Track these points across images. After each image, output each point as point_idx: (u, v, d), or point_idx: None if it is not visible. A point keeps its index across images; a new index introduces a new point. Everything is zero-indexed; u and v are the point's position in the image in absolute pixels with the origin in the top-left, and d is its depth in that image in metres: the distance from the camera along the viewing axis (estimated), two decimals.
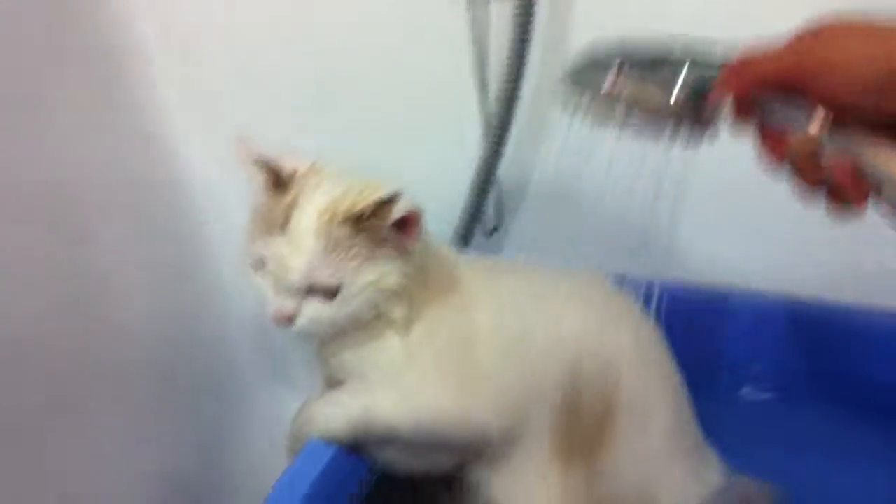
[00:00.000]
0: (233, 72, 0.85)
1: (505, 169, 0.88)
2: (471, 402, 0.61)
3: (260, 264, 0.60)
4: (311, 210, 0.58)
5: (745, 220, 0.88)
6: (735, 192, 0.83)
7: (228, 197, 0.81)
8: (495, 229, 0.95)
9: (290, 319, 0.60)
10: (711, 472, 0.68)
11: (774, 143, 0.48)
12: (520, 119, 0.84)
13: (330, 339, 0.64)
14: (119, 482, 0.67)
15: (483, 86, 0.85)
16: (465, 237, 0.90)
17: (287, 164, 0.61)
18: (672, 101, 0.51)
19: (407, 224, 0.58)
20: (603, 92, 0.53)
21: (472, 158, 0.87)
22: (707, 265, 0.89)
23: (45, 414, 0.61)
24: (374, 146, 0.86)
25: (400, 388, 0.62)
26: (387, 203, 0.57)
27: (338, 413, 0.64)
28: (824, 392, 0.82)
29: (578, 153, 0.76)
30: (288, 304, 0.59)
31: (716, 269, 0.88)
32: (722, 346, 0.85)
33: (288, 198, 0.59)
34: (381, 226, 0.57)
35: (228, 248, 0.83)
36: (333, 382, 0.67)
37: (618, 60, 0.53)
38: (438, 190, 0.88)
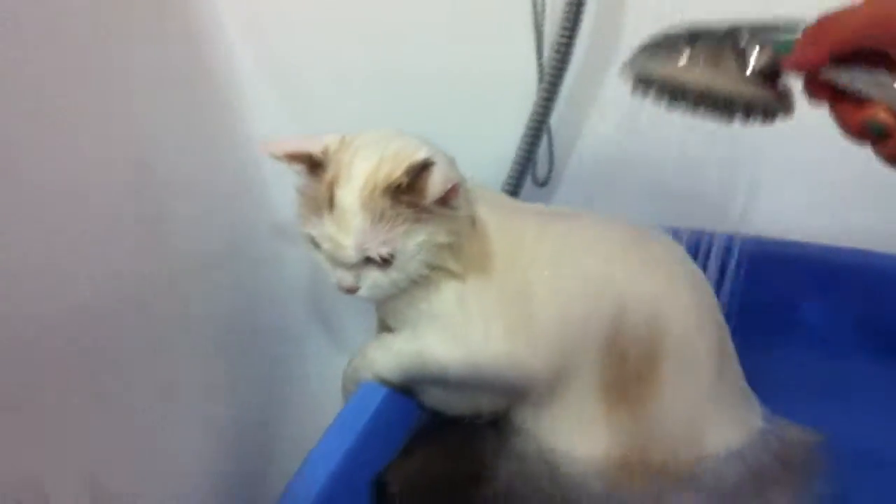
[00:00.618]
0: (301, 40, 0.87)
1: (558, 119, 0.88)
2: (520, 345, 0.63)
3: (316, 243, 0.63)
4: (352, 186, 0.60)
5: (816, 176, 0.87)
6: (807, 149, 0.82)
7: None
8: (546, 181, 0.95)
9: (352, 290, 0.63)
10: (753, 416, 0.68)
11: (854, 112, 0.45)
12: (575, 68, 0.84)
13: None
14: (186, 427, 0.71)
15: (539, 33, 0.86)
16: (515, 187, 0.90)
17: (316, 147, 0.62)
18: (748, 73, 0.50)
19: (444, 196, 0.60)
20: (673, 74, 0.52)
21: (525, 108, 0.87)
22: (775, 223, 0.87)
23: (140, 359, 0.65)
24: (428, 96, 0.88)
25: (452, 330, 0.64)
26: (421, 170, 0.58)
27: (391, 356, 0.67)
28: (878, 346, 0.82)
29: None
30: (348, 277, 0.62)
31: (782, 227, 0.86)
32: (774, 297, 0.84)
33: (327, 177, 0.61)
34: (419, 200, 0.59)
35: (286, 210, 0.87)
36: (387, 329, 0.70)
37: (687, 41, 0.52)
38: (490, 139, 0.90)
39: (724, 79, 0.50)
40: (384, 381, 0.68)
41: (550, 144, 0.93)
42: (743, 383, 0.70)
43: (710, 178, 0.89)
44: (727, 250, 0.79)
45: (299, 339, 0.89)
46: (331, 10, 0.87)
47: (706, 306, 0.68)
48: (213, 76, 0.78)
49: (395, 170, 0.59)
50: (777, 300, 0.85)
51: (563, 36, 0.82)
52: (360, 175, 0.60)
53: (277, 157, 0.63)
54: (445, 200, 0.60)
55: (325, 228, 0.60)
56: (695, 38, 0.51)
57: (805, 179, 0.88)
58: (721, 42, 0.50)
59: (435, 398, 0.69)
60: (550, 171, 0.95)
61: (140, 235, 0.66)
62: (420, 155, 0.59)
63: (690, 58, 0.51)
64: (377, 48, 0.88)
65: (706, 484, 0.65)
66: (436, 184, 0.58)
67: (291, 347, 0.88)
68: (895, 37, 0.42)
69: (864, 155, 0.47)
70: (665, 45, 0.52)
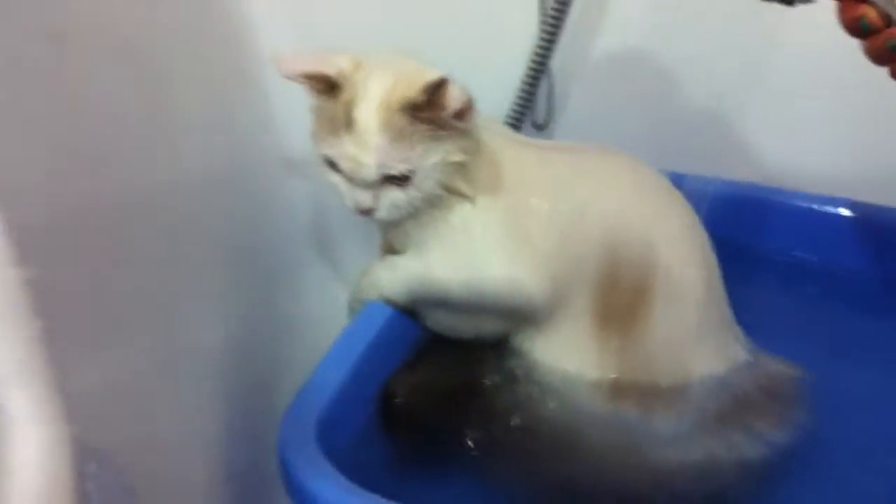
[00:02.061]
0: None
1: (558, 60, 0.90)
2: (521, 269, 0.66)
3: (332, 164, 0.64)
4: (370, 105, 0.61)
5: (826, 124, 0.89)
6: (818, 91, 0.85)
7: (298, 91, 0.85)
8: (545, 125, 0.97)
9: (370, 211, 0.64)
10: (739, 348, 0.72)
11: (852, 8, 0.52)
12: (576, 10, 0.86)
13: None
14: (190, 336, 0.72)
15: None
16: (514, 128, 0.92)
17: (330, 68, 0.63)
18: None
19: (461, 110, 0.61)
20: None
21: (524, 47, 0.89)
22: (780, 170, 0.90)
23: (161, 271, 0.67)
24: (425, 31, 0.88)
25: (455, 253, 0.67)
26: (437, 88, 0.59)
27: (396, 276, 0.69)
28: (875, 296, 0.85)
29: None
30: (366, 197, 0.64)
31: (789, 174, 0.89)
32: (769, 240, 0.88)
33: (344, 97, 0.62)
34: (438, 116, 0.60)
35: (293, 131, 0.87)
36: (391, 251, 0.73)
37: None
38: (489, 78, 0.91)
39: None
40: (389, 301, 0.70)
41: (550, 88, 0.95)
42: (730, 317, 0.73)
43: (709, 124, 0.92)
44: (721, 196, 0.82)
45: (298, 266, 0.91)
46: None
47: (697, 240, 0.71)
48: None
49: (411, 88, 0.60)
50: (771, 246, 0.88)
51: None
52: (377, 94, 0.61)
53: (291, 77, 0.63)
54: (461, 115, 0.61)
55: (344, 148, 0.62)
56: None
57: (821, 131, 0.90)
58: None
59: (437, 320, 0.71)
60: (549, 114, 0.97)
61: (146, 145, 0.66)
62: (434, 74, 0.60)
63: None
64: None
65: (691, 407, 0.69)
66: (454, 97, 0.59)
67: (290, 273, 0.89)
68: None
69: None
70: None
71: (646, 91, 0.92)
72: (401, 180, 0.62)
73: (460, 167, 0.65)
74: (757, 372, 0.71)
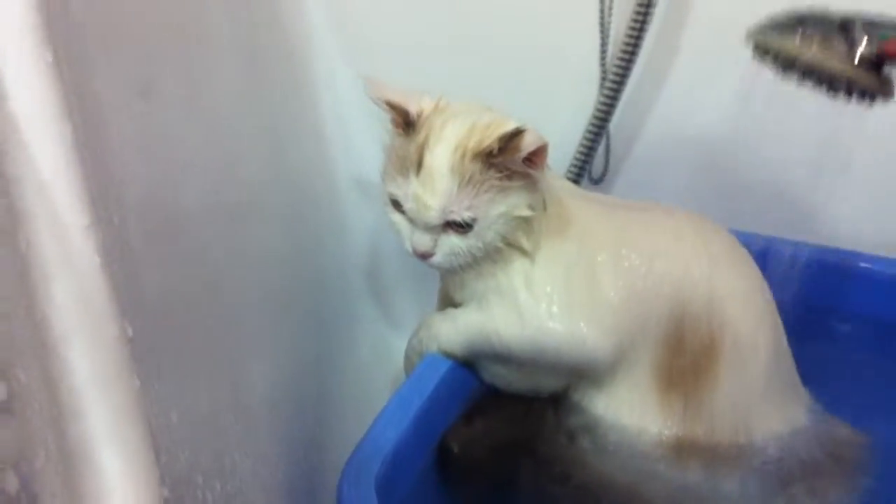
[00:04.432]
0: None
1: (618, 118, 0.91)
2: (584, 325, 0.65)
3: (397, 204, 0.65)
4: (443, 149, 0.62)
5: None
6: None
7: (359, 134, 0.87)
8: (601, 178, 0.98)
9: (427, 255, 0.65)
10: (804, 412, 0.70)
11: None
12: (637, 70, 0.87)
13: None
14: (242, 378, 0.73)
15: (604, 34, 0.89)
16: (574, 183, 0.93)
17: (413, 106, 0.64)
18: (855, 57, 0.57)
19: (535, 156, 0.61)
20: (788, 47, 0.59)
21: (584, 104, 0.90)
22: (835, 231, 0.89)
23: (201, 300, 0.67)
24: (491, 89, 0.90)
25: (517, 307, 0.66)
26: (513, 137, 0.60)
27: (456, 329, 0.69)
28: None
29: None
30: (426, 241, 0.64)
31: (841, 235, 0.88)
32: (833, 302, 0.86)
33: (419, 138, 0.63)
34: (512, 159, 0.61)
35: (352, 187, 0.89)
36: (449, 302, 0.73)
37: (804, 22, 0.59)
38: (549, 135, 0.92)
39: (833, 58, 0.57)
40: (448, 354, 0.70)
41: (608, 143, 0.95)
42: (796, 379, 0.72)
43: (765, 184, 0.92)
44: (784, 255, 0.81)
45: (353, 315, 0.92)
46: None
47: (764, 301, 0.70)
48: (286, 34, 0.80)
49: (488, 136, 0.61)
50: (831, 308, 0.86)
51: (629, 39, 0.85)
52: (451, 139, 0.62)
53: (376, 100, 0.64)
54: (534, 162, 0.61)
55: (411, 188, 0.62)
56: (811, 20, 0.59)
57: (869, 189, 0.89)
58: (833, 27, 0.58)
59: (496, 375, 0.71)
60: (606, 169, 0.97)
61: (210, 205, 0.68)
62: (512, 124, 0.61)
63: (804, 36, 0.58)
64: (454, 26, 0.91)
65: (755, 469, 0.67)
66: (529, 141, 0.59)
67: (345, 321, 0.90)
68: None
69: None
70: (785, 22, 0.60)
71: (701, 148, 0.92)
72: (462, 228, 0.63)
73: (524, 222, 0.65)
74: (822, 436, 0.70)
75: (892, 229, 0.86)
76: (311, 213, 0.84)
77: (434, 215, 0.62)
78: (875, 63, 0.57)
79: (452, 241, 0.64)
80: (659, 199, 0.95)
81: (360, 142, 0.86)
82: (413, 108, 0.64)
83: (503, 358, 0.68)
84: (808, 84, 0.60)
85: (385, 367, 0.90)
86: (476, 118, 0.63)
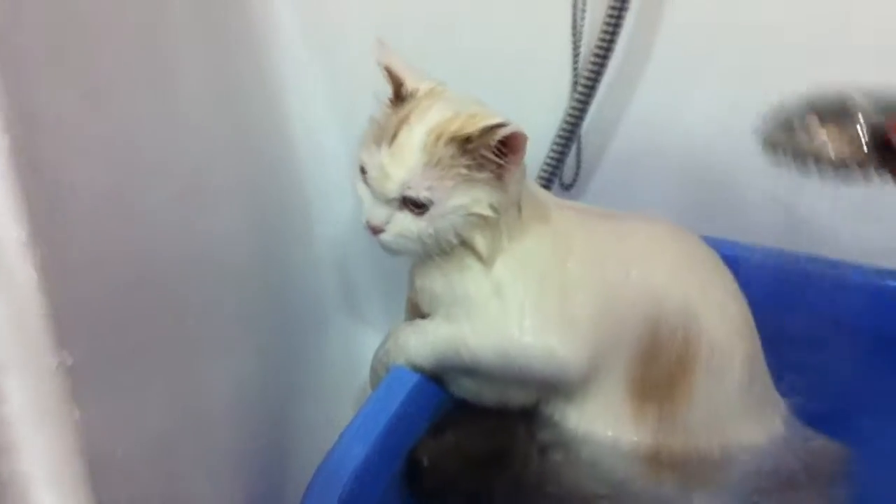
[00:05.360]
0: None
1: (589, 123, 0.89)
2: (556, 338, 0.63)
3: (364, 172, 0.63)
4: (420, 127, 0.61)
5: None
6: None
7: (327, 136, 0.84)
8: (572, 185, 0.96)
9: (379, 230, 0.63)
10: (779, 420, 0.70)
11: None
12: (610, 74, 0.86)
13: (420, 265, 0.67)
14: (201, 394, 0.70)
15: (576, 38, 0.87)
16: (545, 188, 0.91)
17: (410, 81, 0.64)
18: (863, 139, 0.58)
19: (511, 148, 0.60)
20: (797, 141, 0.61)
21: (556, 108, 0.89)
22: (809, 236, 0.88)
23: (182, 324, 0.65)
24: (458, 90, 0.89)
25: (487, 319, 0.64)
26: (494, 128, 0.58)
27: (424, 341, 0.67)
28: None
29: None
30: (380, 213, 0.63)
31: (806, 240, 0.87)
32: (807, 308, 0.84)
33: (402, 113, 0.62)
34: (486, 146, 0.59)
35: (320, 181, 0.87)
36: (417, 311, 0.71)
37: (807, 111, 0.61)
38: None
39: (843, 146, 0.59)
40: (416, 367, 0.68)
41: (579, 148, 0.94)
42: (771, 388, 0.71)
43: (735, 190, 0.91)
44: (757, 262, 0.80)
45: (323, 318, 0.89)
46: None
47: (740, 312, 0.69)
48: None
49: (468, 126, 0.60)
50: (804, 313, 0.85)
51: (601, 43, 0.83)
52: (432, 121, 0.61)
53: (380, 63, 0.64)
54: (509, 152, 0.60)
55: (379, 157, 0.61)
56: (817, 106, 0.61)
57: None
58: (840, 111, 0.60)
59: (465, 388, 0.69)
60: (577, 174, 0.96)
61: (173, 210, 0.66)
62: (498, 118, 0.59)
63: (812, 127, 0.60)
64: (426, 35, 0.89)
65: (730, 481, 0.67)
66: (506, 128, 0.58)
67: (314, 324, 0.88)
68: None
69: None
70: (788, 115, 0.62)
71: (672, 153, 0.91)
72: (418, 208, 0.61)
73: (484, 223, 0.63)
74: (798, 447, 0.69)
75: (870, 236, 0.85)
76: (278, 218, 0.82)
77: (393, 187, 0.61)
78: (885, 140, 0.58)
79: (405, 220, 0.62)
80: (630, 204, 0.94)
81: (329, 144, 0.84)
82: (409, 84, 0.64)
83: (473, 371, 0.66)
84: (826, 172, 0.61)
85: (354, 372, 0.88)
86: (464, 107, 0.62)
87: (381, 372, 0.70)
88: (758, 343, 0.70)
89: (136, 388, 0.50)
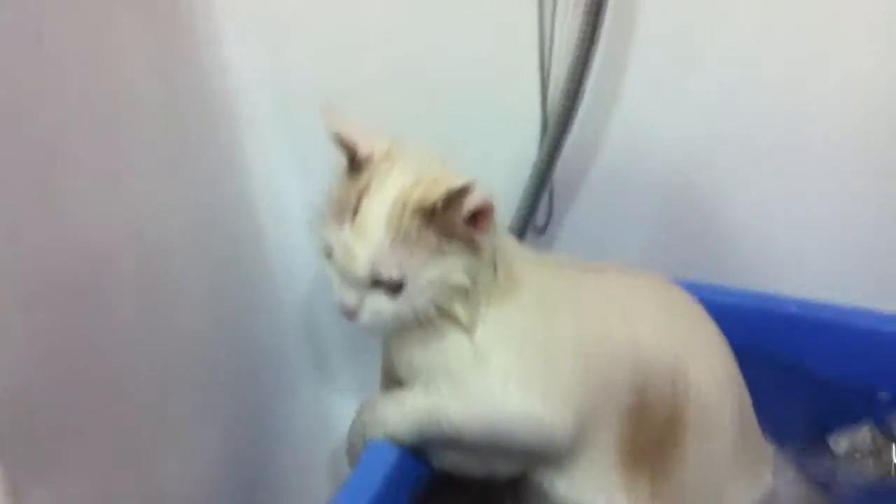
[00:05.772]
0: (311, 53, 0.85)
1: (561, 165, 0.87)
2: (541, 404, 0.60)
3: (329, 253, 0.59)
4: (382, 199, 0.57)
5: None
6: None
7: (289, 193, 0.81)
8: (545, 228, 0.94)
9: (353, 314, 0.59)
10: (770, 471, 0.69)
11: None
12: (580, 117, 0.84)
13: (396, 334, 0.63)
14: (168, 467, 0.67)
15: (545, 84, 0.85)
16: (519, 234, 0.89)
17: (364, 147, 0.59)
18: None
19: (479, 217, 0.57)
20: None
21: (526, 153, 0.86)
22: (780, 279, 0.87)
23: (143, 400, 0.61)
24: (432, 138, 0.86)
25: (470, 389, 0.61)
26: (459, 195, 0.55)
27: (402, 414, 0.63)
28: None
29: None
30: (351, 296, 0.59)
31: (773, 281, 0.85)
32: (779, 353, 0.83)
33: (361, 183, 0.58)
34: (453, 219, 0.56)
35: (284, 244, 0.83)
36: (394, 377, 0.67)
37: None
38: (492, 186, 0.88)
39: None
40: (395, 441, 0.64)
41: (551, 192, 0.92)
42: (760, 436, 0.69)
43: (707, 232, 0.89)
44: (735, 304, 0.78)
45: (290, 386, 0.86)
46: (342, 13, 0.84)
47: (727, 361, 0.67)
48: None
49: (431, 193, 0.56)
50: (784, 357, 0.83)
51: (569, 87, 0.81)
52: (393, 189, 0.57)
53: (330, 130, 0.59)
54: (478, 224, 0.57)
55: (343, 236, 0.57)
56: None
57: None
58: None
59: (448, 460, 0.66)
60: (550, 217, 0.93)
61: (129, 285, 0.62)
62: (461, 180, 0.56)
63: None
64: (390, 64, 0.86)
65: None
66: (473, 199, 0.55)
67: (281, 393, 0.84)
68: None
69: None
70: None
71: (644, 193, 0.89)
72: (391, 288, 0.57)
73: (462, 291, 0.60)
74: (790, 498, 0.68)
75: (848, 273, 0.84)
76: (240, 284, 0.78)
77: (360, 269, 0.57)
78: None
79: (379, 300, 0.58)
80: (605, 243, 0.93)
81: (293, 206, 0.80)
82: (363, 149, 0.59)
83: (455, 443, 0.63)
84: None
85: (324, 439, 0.84)
86: (424, 170, 0.58)
87: (359, 444, 0.67)
88: (745, 392, 0.68)
89: (77, 476, 0.46)
